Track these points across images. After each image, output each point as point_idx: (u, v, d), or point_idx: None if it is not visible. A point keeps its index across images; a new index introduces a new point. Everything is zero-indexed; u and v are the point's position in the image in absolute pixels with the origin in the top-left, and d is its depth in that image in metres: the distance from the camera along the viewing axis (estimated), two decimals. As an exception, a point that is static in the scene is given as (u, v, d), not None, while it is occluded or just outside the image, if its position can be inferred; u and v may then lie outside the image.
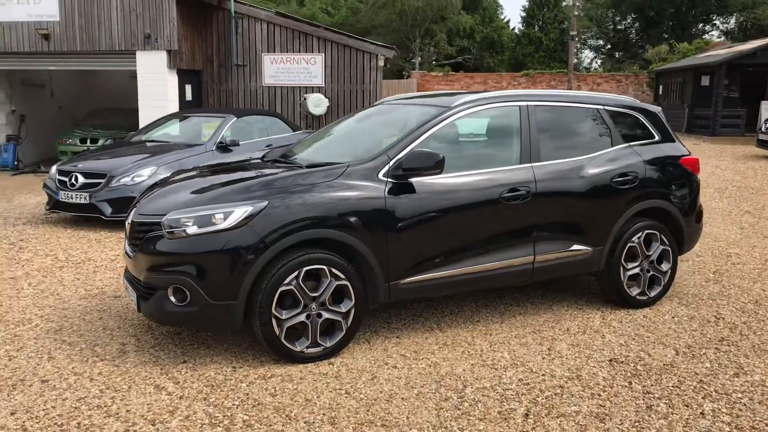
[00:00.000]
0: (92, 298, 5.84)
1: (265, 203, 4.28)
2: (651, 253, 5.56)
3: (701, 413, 3.82)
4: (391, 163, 4.66)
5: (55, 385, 4.09)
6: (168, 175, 6.15)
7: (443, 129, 4.96)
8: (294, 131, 11.41)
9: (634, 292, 5.54)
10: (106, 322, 5.24)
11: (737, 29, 43.89)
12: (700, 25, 45.77)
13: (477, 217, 4.88)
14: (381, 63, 14.97)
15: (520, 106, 5.24)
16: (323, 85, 15.03)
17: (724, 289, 6.17)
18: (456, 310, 5.51)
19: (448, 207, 4.76)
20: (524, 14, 46.33)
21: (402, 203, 4.61)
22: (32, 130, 16.26)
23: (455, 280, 4.87)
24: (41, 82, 16.97)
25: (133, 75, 14.05)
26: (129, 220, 4.78)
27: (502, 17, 51.59)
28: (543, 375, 4.30)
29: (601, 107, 5.62)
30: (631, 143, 5.63)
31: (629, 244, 5.44)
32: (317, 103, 14.70)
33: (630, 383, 4.19)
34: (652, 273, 5.60)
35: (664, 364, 4.47)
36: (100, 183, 8.78)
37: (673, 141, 5.92)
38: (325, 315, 4.45)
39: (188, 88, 14.60)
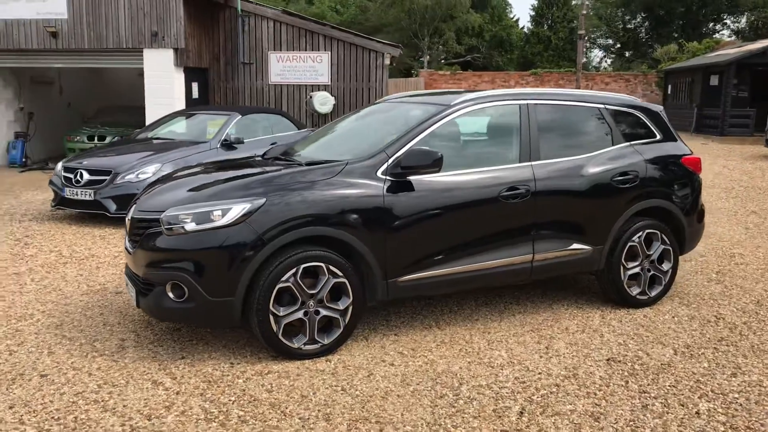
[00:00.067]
0: (94, 294, 5.88)
1: (263, 200, 4.30)
2: (652, 252, 5.55)
3: (696, 413, 3.81)
4: (390, 161, 4.67)
5: (53, 380, 4.13)
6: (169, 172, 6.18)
7: (443, 127, 4.96)
8: (299, 129, 11.44)
9: (635, 291, 5.53)
10: (107, 317, 5.28)
11: (748, 28, 43.62)
12: (711, 25, 45.56)
13: (476, 215, 4.88)
14: (387, 61, 14.97)
15: (520, 104, 5.24)
16: (329, 84, 15.06)
17: (726, 289, 6.15)
18: (455, 309, 5.51)
19: (447, 205, 4.77)
20: (533, 13, 46.24)
21: (400, 201, 4.62)
22: (41, 127, 16.38)
23: (454, 278, 4.88)
24: (50, 79, 17.08)
25: (141, 73, 14.12)
26: (129, 217, 4.82)
27: (511, 16, 51.52)
28: (539, 373, 4.30)
29: (602, 106, 5.61)
30: (633, 142, 5.62)
31: (630, 244, 5.43)
32: (323, 102, 14.72)
33: (626, 382, 4.18)
34: (652, 272, 5.58)
35: (661, 364, 4.46)
36: (105, 180, 8.84)
37: (675, 140, 5.89)
38: (323, 312, 4.47)
39: (195, 86, 14.65)
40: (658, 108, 5.99)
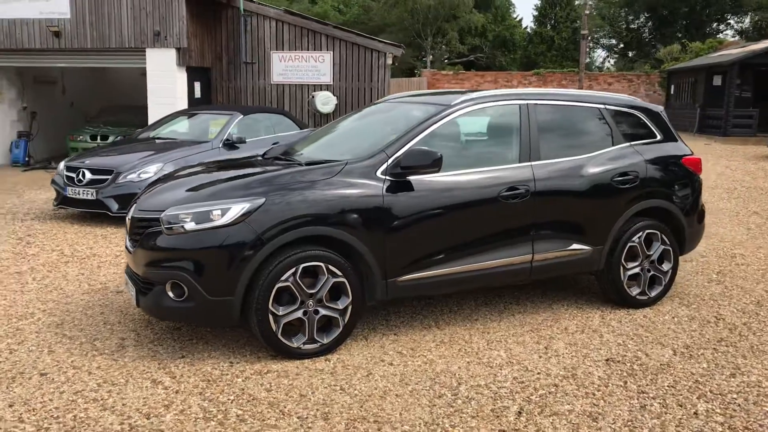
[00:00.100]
0: (95, 293, 5.90)
1: (262, 200, 4.31)
2: (652, 252, 5.55)
3: (695, 413, 3.81)
4: (390, 161, 4.68)
5: (53, 379, 4.14)
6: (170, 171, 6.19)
7: (442, 127, 4.97)
8: (301, 129, 11.45)
9: (635, 291, 5.53)
10: (107, 316, 5.29)
11: (752, 28, 43.56)
12: (715, 25, 45.49)
13: (475, 215, 4.88)
14: (389, 61, 14.98)
15: (520, 104, 5.24)
16: (331, 83, 15.07)
17: (727, 289, 6.14)
18: (455, 309, 5.52)
19: (446, 205, 4.77)
20: (536, 13, 46.25)
21: (400, 201, 4.63)
22: (44, 127, 16.42)
23: (453, 278, 4.88)
24: (53, 79, 17.12)
25: (144, 72, 14.14)
26: (129, 216, 4.83)
27: (515, 16, 51.48)
28: (538, 373, 4.30)
29: (603, 106, 5.61)
30: (633, 142, 5.61)
31: (630, 244, 5.43)
32: (325, 101, 14.73)
33: (625, 383, 4.18)
34: (652, 273, 5.58)
35: (660, 364, 4.46)
36: (107, 179, 8.86)
37: (676, 140, 5.89)
38: (322, 312, 4.48)
39: (197, 86, 14.68)
40: (659, 108, 5.98)
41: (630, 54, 48.91)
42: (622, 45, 49.72)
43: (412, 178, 4.68)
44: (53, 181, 9.44)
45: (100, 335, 4.89)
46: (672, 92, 30.28)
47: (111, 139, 14.52)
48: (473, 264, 4.91)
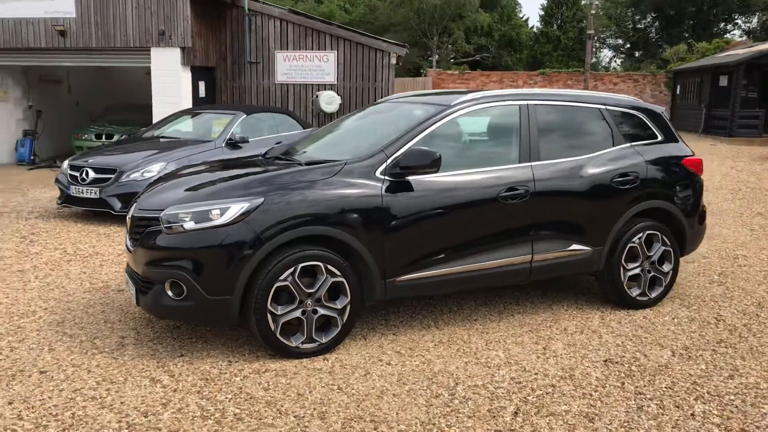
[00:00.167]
0: (96, 292, 5.93)
1: (261, 200, 4.33)
2: (652, 253, 5.54)
3: (692, 414, 3.81)
4: (389, 161, 4.68)
5: (53, 377, 4.17)
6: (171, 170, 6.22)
7: (442, 127, 4.97)
8: (304, 128, 11.47)
9: (635, 292, 5.52)
10: (108, 315, 5.32)
11: (759, 28, 43.40)
12: (722, 25, 45.32)
13: (474, 215, 4.89)
14: (393, 61, 14.99)
15: (520, 105, 5.24)
16: (335, 83, 15.09)
17: (728, 291, 6.13)
18: (455, 309, 5.52)
19: (445, 205, 4.77)
20: (543, 13, 46.12)
21: (399, 201, 4.64)
22: (49, 125, 16.50)
23: (452, 278, 4.89)
24: (58, 77, 17.19)
25: (149, 72, 14.19)
26: (130, 215, 4.85)
27: (521, 15, 51.42)
28: (536, 374, 4.31)
29: (603, 107, 5.60)
30: (633, 143, 5.61)
31: (630, 245, 5.43)
32: (329, 101, 14.75)
33: (623, 384, 4.18)
34: (653, 274, 5.57)
35: (659, 365, 4.46)
36: (110, 178, 8.90)
37: (677, 141, 5.88)
38: (321, 311, 4.49)
39: (201, 85, 14.71)
40: (660, 109, 5.97)
41: (636, 54, 48.77)
42: (628, 45, 49.59)
43: (411, 178, 4.69)
44: (57, 180, 9.48)
45: (101, 333, 4.91)
46: (678, 92, 30.20)
47: (116, 137, 14.58)
48: (472, 264, 4.91)
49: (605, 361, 4.53)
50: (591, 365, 4.45)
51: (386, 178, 4.65)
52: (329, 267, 4.45)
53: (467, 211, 4.86)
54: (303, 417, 3.71)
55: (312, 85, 15.19)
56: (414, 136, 4.82)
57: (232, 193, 4.42)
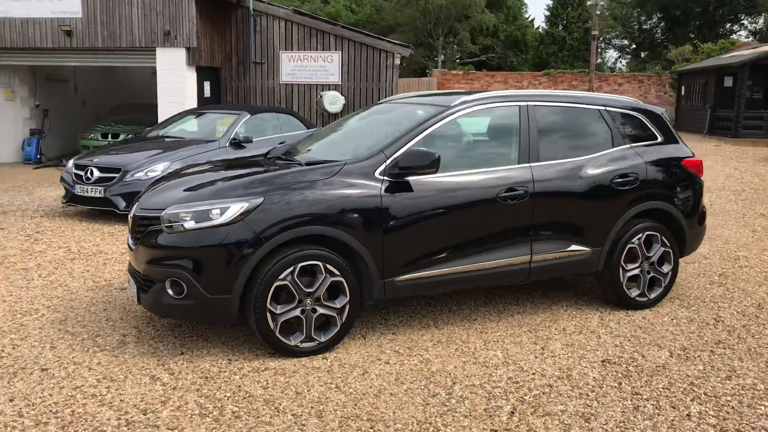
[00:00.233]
0: (99, 290, 5.97)
1: (260, 200, 4.36)
2: (651, 254, 5.55)
3: (687, 415, 3.82)
4: (388, 161, 4.71)
5: (54, 374, 4.21)
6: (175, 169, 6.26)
7: (441, 128, 5.00)
8: (308, 128, 11.50)
9: (634, 293, 5.53)
10: (110, 313, 5.36)
11: (766, 29, 43.25)
12: (728, 25, 45.16)
13: (473, 216, 4.91)
14: (397, 61, 15.02)
15: (519, 105, 5.26)
16: (340, 83, 15.13)
17: (728, 291, 6.14)
18: (454, 308, 5.55)
19: (444, 206, 4.80)
20: (548, 13, 46.08)
21: (398, 201, 4.66)
22: (55, 125, 16.60)
23: (451, 279, 4.91)
24: (65, 77, 17.28)
25: (155, 72, 14.26)
26: (131, 214, 4.90)
27: (526, 16, 51.34)
28: (533, 374, 4.33)
29: (603, 108, 5.62)
30: (633, 144, 5.62)
31: (629, 245, 5.44)
32: (333, 101, 14.80)
33: (620, 384, 4.20)
34: (652, 274, 5.59)
35: (656, 366, 4.48)
36: (115, 177, 8.95)
37: (677, 142, 5.89)
38: (320, 310, 4.52)
39: (207, 85, 14.78)
40: (660, 110, 5.99)
41: (642, 55, 48.66)
42: (634, 46, 49.49)
43: (410, 178, 4.72)
44: (62, 179, 9.55)
45: (102, 332, 4.96)
46: (683, 93, 30.12)
47: (122, 137, 14.64)
48: (471, 264, 4.93)
49: (603, 361, 4.55)
50: (589, 365, 4.47)
51: (385, 178, 4.67)
52: (328, 266, 4.48)
53: (466, 211, 4.89)
54: (300, 415, 3.74)
55: (316, 85, 15.24)
56: (414, 136, 4.85)
57: (232, 193, 4.46)
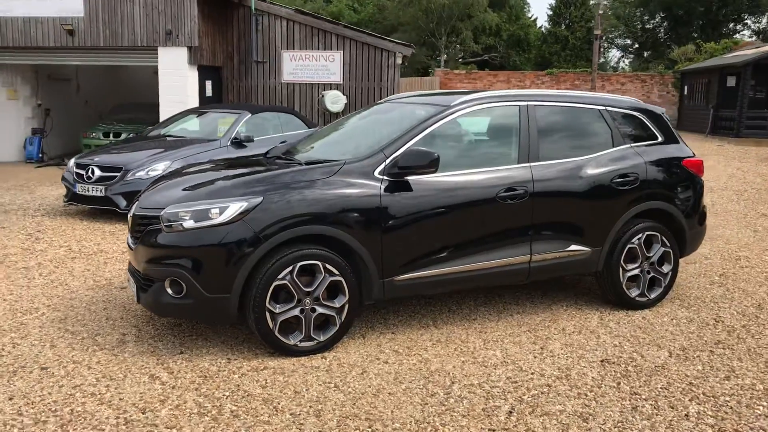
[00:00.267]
0: (99, 289, 5.98)
1: (260, 199, 4.37)
2: (651, 254, 5.55)
3: (686, 415, 3.82)
4: (388, 161, 4.71)
5: (53, 373, 4.22)
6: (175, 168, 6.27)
7: (441, 128, 5.00)
8: (309, 128, 11.51)
9: (634, 293, 5.53)
10: (110, 312, 5.37)
11: (769, 29, 43.18)
12: (731, 25, 45.10)
13: (472, 215, 4.91)
14: (399, 61, 15.01)
15: (519, 105, 5.26)
16: (341, 83, 15.13)
17: (728, 292, 6.13)
18: (454, 308, 5.55)
19: (444, 205, 4.80)
20: (551, 12, 46.02)
21: (397, 201, 4.66)
22: (57, 124, 16.63)
23: (450, 278, 4.91)
24: (67, 76, 17.31)
25: (157, 71, 14.27)
26: (131, 213, 4.91)
27: (529, 15, 51.36)
28: (532, 374, 4.33)
29: (603, 108, 5.61)
30: (633, 144, 5.62)
31: (629, 245, 5.44)
32: (335, 100, 14.80)
33: (618, 384, 4.20)
34: (652, 275, 5.58)
35: (655, 366, 4.47)
36: (116, 176, 8.96)
37: (677, 142, 5.88)
38: (319, 310, 4.53)
39: (208, 84, 14.79)
40: (660, 110, 5.98)
41: (645, 54, 48.60)
42: (637, 45, 49.44)
43: (409, 178, 4.72)
44: (63, 178, 9.57)
45: (102, 331, 4.97)
46: (685, 93, 30.09)
47: (124, 136, 14.66)
48: (471, 264, 4.94)
49: (602, 361, 4.55)
50: (588, 365, 4.47)
51: (385, 178, 4.68)
52: (328, 266, 4.48)
53: (466, 211, 4.89)
54: (299, 415, 3.75)
55: (318, 84, 15.24)
56: (413, 136, 4.85)
57: (232, 192, 4.47)
